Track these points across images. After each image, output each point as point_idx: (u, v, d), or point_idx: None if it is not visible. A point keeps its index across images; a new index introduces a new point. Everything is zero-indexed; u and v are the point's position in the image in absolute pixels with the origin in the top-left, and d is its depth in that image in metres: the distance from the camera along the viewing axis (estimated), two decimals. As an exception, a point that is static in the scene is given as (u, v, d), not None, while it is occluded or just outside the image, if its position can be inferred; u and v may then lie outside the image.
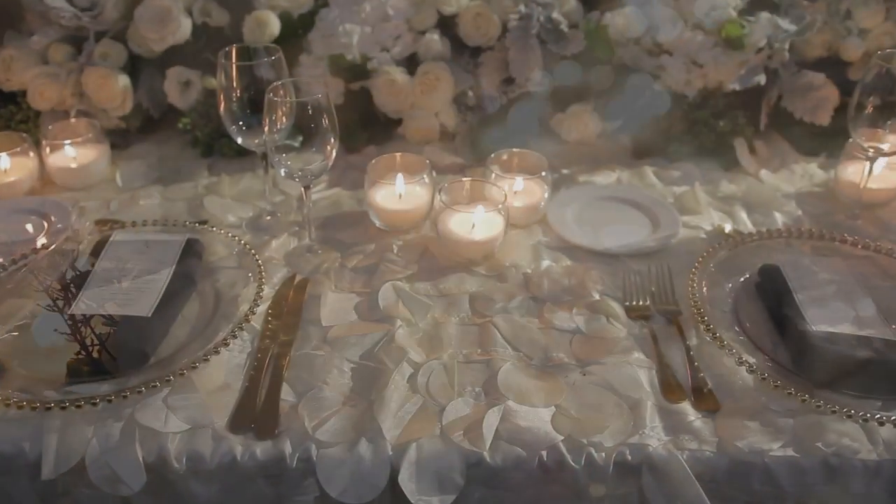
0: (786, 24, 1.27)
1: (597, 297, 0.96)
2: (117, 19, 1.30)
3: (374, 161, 1.11)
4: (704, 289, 0.95)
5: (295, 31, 1.34)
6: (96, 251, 0.99)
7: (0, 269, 0.97)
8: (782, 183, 1.23)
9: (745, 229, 1.10)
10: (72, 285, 0.91)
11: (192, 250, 0.99)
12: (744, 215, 1.14)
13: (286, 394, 0.81)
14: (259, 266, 0.98)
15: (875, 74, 1.01)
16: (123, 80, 1.28)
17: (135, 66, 1.32)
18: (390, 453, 0.75)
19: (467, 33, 1.31)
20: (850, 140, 1.13)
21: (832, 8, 1.32)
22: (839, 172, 1.17)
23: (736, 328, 0.91)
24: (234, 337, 0.86)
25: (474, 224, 1.01)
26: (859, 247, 1.03)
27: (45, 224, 1.09)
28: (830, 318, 0.88)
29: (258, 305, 0.91)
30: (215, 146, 1.28)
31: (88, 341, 0.83)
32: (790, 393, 0.80)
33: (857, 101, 1.03)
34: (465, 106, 1.31)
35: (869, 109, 1.02)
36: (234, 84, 1.01)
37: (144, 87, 1.31)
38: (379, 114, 1.33)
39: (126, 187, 1.21)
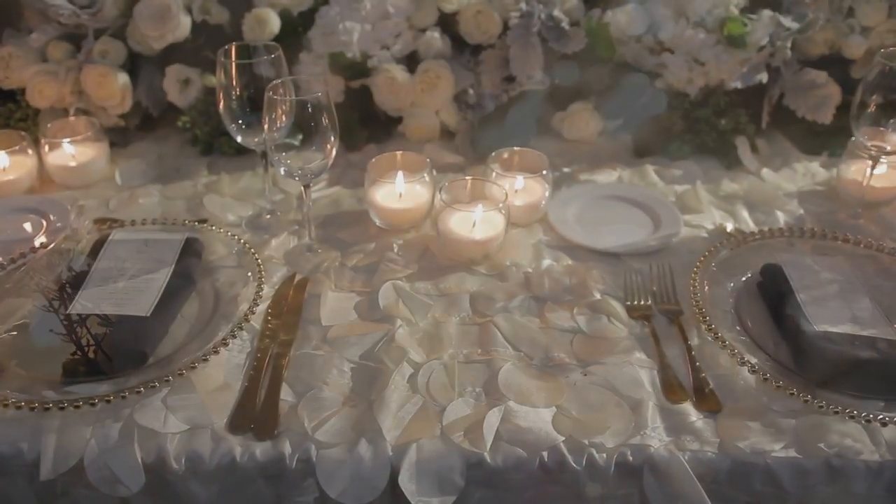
0: (788, 21, 1.26)
1: (598, 296, 0.96)
2: (116, 17, 1.29)
3: (374, 160, 1.10)
4: (706, 288, 0.95)
5: (295, 29, 1.34)
6: (95, 250, 0.98)
7: (-2, 269, 0.96)
8: (784, 182, 1.22)
9: (747, 228, 1.10)
10: (67, 285, 0.91)
11: (191, 249, 0.99)
12: (745, 214, 1.14)
13: (286, 394, 0.81)
14: (259, 265, 0.97)
15: (878, 73, 1.00)
16: (123, 78, 1.27)
17: (134, 64, 1.31)
18: (390, 454, 0.74)
19: (468, 31, 1.31)
20: (853, 139, 1.13)
21: (834, 5, 1.31)
22: (841, 171, 1.17)
23: (737, 328, 0.90)
24: (234, 337, 0.86)
25: (475, 223, 1.01)
26: (861, 246, 1.03)
27: (44, 223, 1.09)
28: (832, 317, 0.88)
29: (258, 305, 0.91)
30: (215, 144, 1.28)
31: (84, 342, 0.83)
32: (792, 393, 0.79)
33: (859, 99, 1.03)
34: (465, 104, 1.31)
35: (872, 108, 1.02)
36: (234, 82, 1.01)
37: (144, 85, 1.31)
38: (379, 112, 1.32)
39: (125, 186, 1.21)
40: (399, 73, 1.26)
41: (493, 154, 1.14)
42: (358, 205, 1.15)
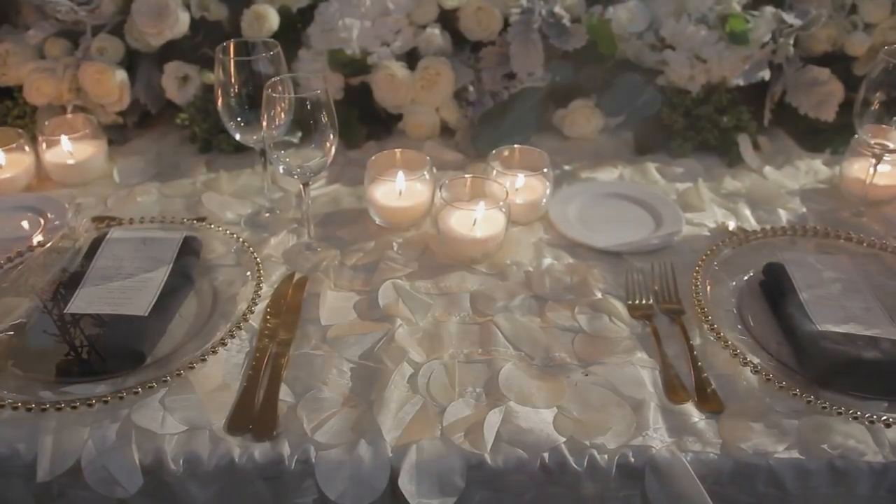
0: (790, 18, 1.25)
1: (599, 295, 0.95)
2: (114, 13, 1.29)
3: (373, 157, 1.09)
4: (708, 287, 0.94)
5: (294, 26, 1.33)
6: (93, 249, 0.97)
7: (-5, 267, 0.96)
8: (786, 179, 1.22)
9: (749, 226, 1.09)
10: (61, 286, 0.90)
11: (189, 248, 0.98)
12: (747, 212, 1.13)
13: (285, 394, 0.80)
14: (257, 264, 0.97)
15: (882, 70, 1.00)
16: (121, 75, 1.26)
17: (132, 61, 1.31)
18: (390, 455, 0.74)
19: (468, 28, 1.30)
20: (856, 136, 1.12)
21: (837, 2, 1.30)
22: (844, 169, 1.16)
23: (740, 327, 0.89)
24: (232, 336, 0.85)
25: (475, 221, 1.00)
26: (864, 245, 1.02)
27: (42, 221, 1.08)
28: (836, 317, 0.87)
29: (256, 304, 0.90)
30: (214, 142, 1.27)
31: (78, 342, 0.82)
32: (795, 394, 0.79)
33: (863, 97, 1.02)
34: (465, 101, 1.30)
35: (875, 105, 1.01)
36: (232, 79, 1.00)
37: (142, 82, 1.30)
38: (379, 109, 1.32)
39: (123, 183, 1.20)
40: (399, 69, 1.26)
41: (494, 152, 1.13)
42: (357, 203, 1.14)
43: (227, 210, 1.12)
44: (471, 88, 1.30)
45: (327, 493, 0.73)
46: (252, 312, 0.89)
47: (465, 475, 0.73)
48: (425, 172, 1.07)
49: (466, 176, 1.08)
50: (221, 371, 0.83)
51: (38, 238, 1.03)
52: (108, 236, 1.00)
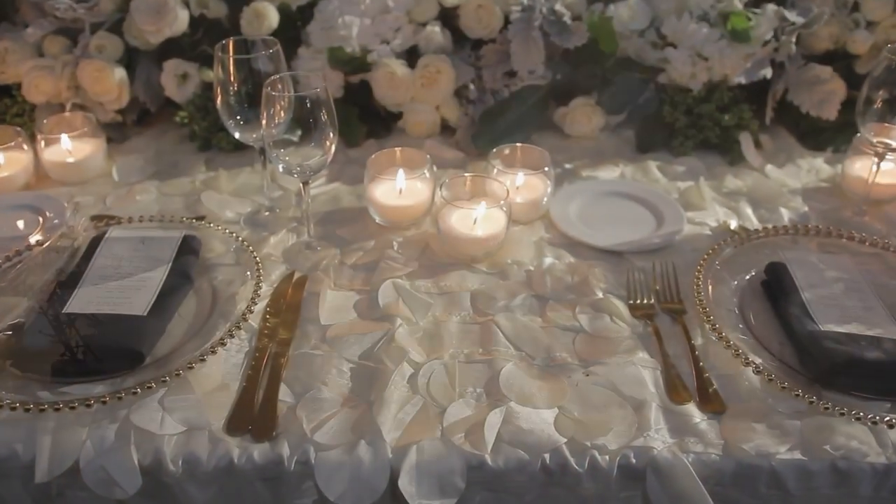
0: (793, 16, 1.25)
1: (600, 295, 0.95)
2: (113, 11, 1.28)
3: (373, 156, 1.09)
4: (710, 287, 0.94)
5: (293, 24, 1.33)
6: (91, 248, 0.97)
7: (-6, 267, 0.95)
8: (788, 178, 1.21)
9: (751, 225, 1.09)
10: (59, 285, 0.90)
11: (188, 247, 0.98)
12: (749, 211, 1.13)
13: (284, 395, 0.80)
14: (257, 263, 0.96)
15: (884, 68, 0.99)
16: (120, 73, 1.26)
17: (131, 59, 1.30)
18: (390, 456, 0.73)
19: (469, 25, 1.30)
20: (858, 135, 1.11)
21: (839, 0, 1.30)
22: (846, 168, 1.16)
23: (741, 326, 0.89)
24: (231, 336, 0.85)
25: (476, 220, 1.00)
26: (867, 244, 1.02)
27: (40, 220, 1.07)
28: (838, 317, 0.87)
29: (256, 304, 0.90)
30: (213, 140, 1.27)
31: (76, 342, 0.82)
32: (797, 394, 0.78)
33: (865, 95, 1.02)
34: (466, 99, 1.30)
35: (878, 104, 1.01)
36: (232, 78, 0.99)
37: (141, 80, 1.30)
38: (379, 107, 1.31)
39: (122, 182, 1.20)
40: (399, 67, 1.25)
41: (495, 150, 1.12)
42: (357, 201, 1.14)
43: (227, 209, 1.12)
44: (471, 86, 1.29)
45: (327, 494, 0.72)
46: (251, 312, 0.88)
47: (466, 476, 0.73)
48: (425, 171, 1.07)
49: (467, 175, 1.07)
50: (220, 371, 0.83)
51: (36, 237, 1.02)
52: (106, 235, 0.99)
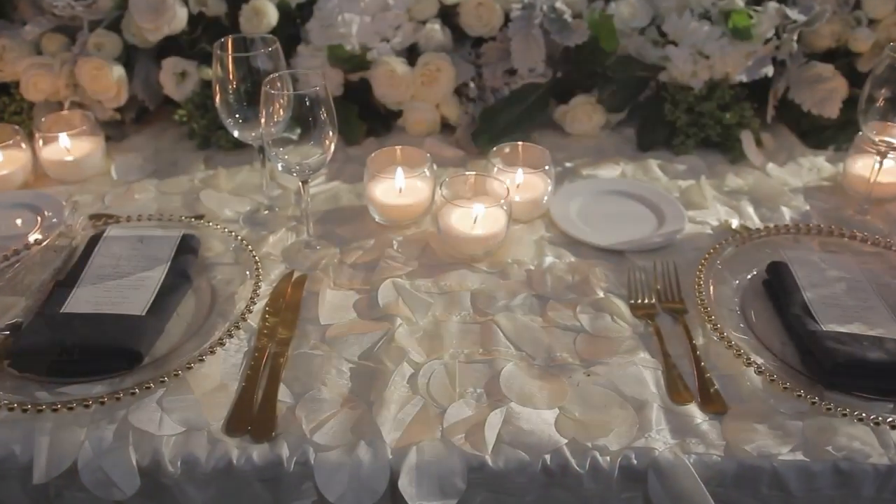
0: (794, 14, 1.24)
1: (601, 294, 0.94)
2: (112, 9, 1.27)
3: (373, 154, 1.09)
4: (711, 286, 0.93)
5: (293, 21, 1.32)
6: (90, 247, 0.96)
7: (-8, 266, 0.95)
8: (789, 177, 1.21)
9: (752, 224, 1.08)
10: (57, 285, 0.90)
11: (187, 246, 0.97)
12: (750, 210, 1.12)
13: (283, 395, 0.79)
14: (256, 262, 0.96)
15: (887, 66, 0.99)
16: (118, 71, 1.25)
17: (130, 57, 1.29)
18: (390, 457, 0.73)
19: (469, 23, 1.29)
20: (860, 133, 1.11)
21: (841, -3, 1.29)
22: (848, 166, 1.15)
23: (743, 326, 0.89)
24: (231, 336, 0.84)
25: (476, 219, 0.99)
26: (868, 243, 1.01)
27: (39, 219, 1.07)
28: (840, 317, 0.86)
29: (255, 303, 0.89)
30: (212, 138, 1.26)
31: (74, 342, 0.81)
32: (799, 395, 0.78)
33: (867, 93, 1.01)
34: (466, 97, 1.29)
35: (880, 102, 1.00)
36: (231, 76, 0.99)
37: (140, 78, 1.29)
38: (379, 105, 1.31)
39: (121, 180, 1.19)
40: (399, 65, 1.25)
41: (495, 149, 1.12)
42: (357, 200, 1.13)
43: (226, 207, 1.11)
44: (471, 84, 1.29)
45: (326, 495, 0.72)
46: (250, 312, 0.88)
47: (466, 477, 0.73)
48: (425, 169, 1.06)
49: (467, 173, 1.07)
50: (219, 371, 0.82)
51: (34, 236, 1.02)
52: (105, 234, 0.99)
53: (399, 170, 1.06)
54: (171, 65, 1.27)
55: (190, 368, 0.80)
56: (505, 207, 0.99)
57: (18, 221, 1.07)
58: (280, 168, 0.96)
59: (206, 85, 1.27)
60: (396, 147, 1.11)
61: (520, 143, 1.13)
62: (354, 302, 0.93)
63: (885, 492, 0.74)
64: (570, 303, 0.93)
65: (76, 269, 0.93)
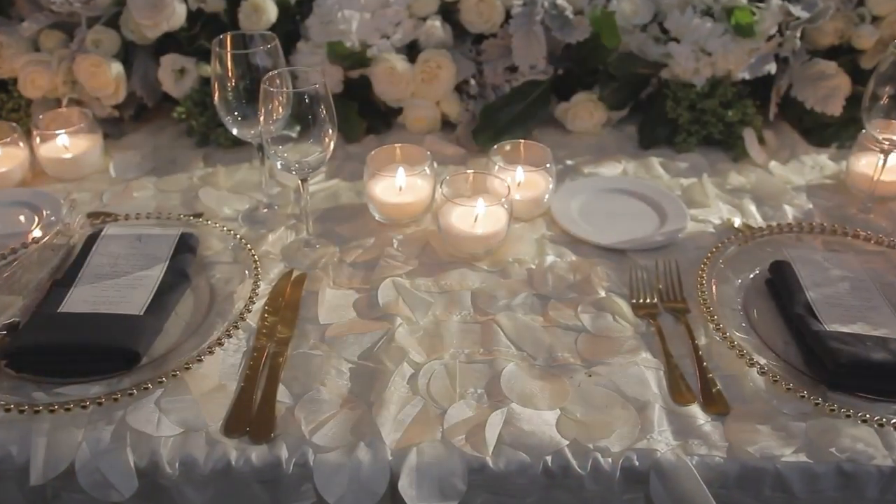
0: (797, 10, 1.23)
1: (602, 293, 0.93)
2: (110, 5, 1.26)
3: (373, 152, 1.08)
4: (713, 286, 0.92)
5: (292, 18, 1.31)
6: (88, 246, 0.96)
7: (-11, 264, 0.94)
8: (792, 175, 1.20)
9: (755, 223, 1.08)
10: (55, 284, 0.89)
11: (186, 245, 0.96)
12: (753, 208, 1.11)
13: (282, 395, 0.79)
14: (255, 261, 0.95)
15: (891, 64, 0.98)
16: (116, 68, 1.24)
17: (128, 54, 1.29)
18: (390, 458, 0.72)
19: (470, 20, 1.28)
20: (864, 131, 1.10)
21: (845, -6, 1.28)
22: (851, 164, 1.14)
23: (745, 326, 0.88)
24: (229, 336, 0.84)
25: (477, 217, 0.98)
26: (872, 242, 1.01)
27: (36, 217, 1.06)
28: (844, 317, 0.85)
29: (254, 303, 0.89)
30: (211, 136, 1.26)
31: (72, 342, 0.80)
32: (803, 396, 0.77)
33: (871, 91, 1.00)
34: (467, 95, 1.29)
35: (884, 100, 0.99)
36: (229, 73, 0.98)
37: (138, 75, 1.28)
38: (379, 103, 1.30)
39: (119, 178, 1.18)
40: (399, 62, 1.24)
41: (496, 147, 1.11)
42: (357, 198, 1.12)
43: (225, 205, 1.11)
44: (472, 82, 1.28)
45: (326, 496, 0.71)
46: (249, 311, 0.87)
47: (467, 478, 0.72)
48: (426, 167, 1.05)
49: (468, 171, 1.06)
50: (218, 371, 0.82)
51: (32, 235, 1.01)
52: (103, 233, 0.98)
53: (399, 168, 1.05)
54: (169, 62, 1.26)
55: (188, 369, 0.80)
56: (506, 206, 0.98)
57: (16, 220, 1.06)
58: (279, 166, 0.95)
59: (205, 82, 1.26)
60: (396, 145, 1.10)
61: (521, 140, 1.12)
62: (354, 301, 0.93)
63: (888, 493, 0.73)
64: (572, 302, 0.92)
65: (74, 268, 0.92)
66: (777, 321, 0.89)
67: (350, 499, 0.71)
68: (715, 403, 0.78)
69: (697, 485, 0.71)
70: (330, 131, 0.92)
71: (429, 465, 0.72)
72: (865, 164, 1.12)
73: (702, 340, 0.87)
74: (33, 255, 0.95)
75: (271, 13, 1.25)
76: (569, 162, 1.23)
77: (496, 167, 1.07)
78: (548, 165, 1.06)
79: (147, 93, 1.29)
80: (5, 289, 0.90)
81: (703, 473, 0.72)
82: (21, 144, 1.16)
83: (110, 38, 1.25)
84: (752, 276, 0.96)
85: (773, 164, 1.22)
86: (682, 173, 1.20)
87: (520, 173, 1.07)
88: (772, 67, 1.24)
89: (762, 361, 0.81)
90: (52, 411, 0.74)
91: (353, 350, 0.85)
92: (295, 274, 0.96)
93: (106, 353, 0.80)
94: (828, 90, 1.25)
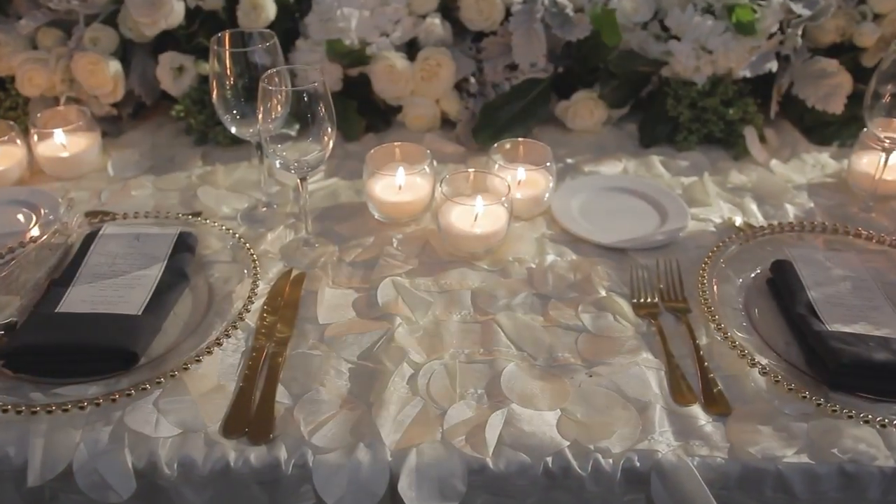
0: (799, 8, 1.23)
1: (603, 293, 0.93)
2: (108, 2, 1.26)
3: (373, 150, 1.07)
4: (714, 285, 0.92)
5: (291, 15, 1.31)
6: (86, 245, 0.95)
7: (-14, 264, 0.93)
8: (793, 173, 1.19)
9: (756, 222, 1.07)
10: (53, 283, 0.89)
11: (184, 244, 0.96)
12: (754, 207, 1.11)
13: (281, 396, 0.78)
14: (254, 260, 0.95)
15: (892, 62, 0.98)
16: (114, 66, 1.24)
17: (126, 52, 1.28)
18: (389, 459, 0.72)
19: (470, 17, 1.28)
20: (865, 130, 1.10)
21: (846, -8, 1.28)
22: (853, 163, 1.14)
23: (746, 325, 0.87)
24: (228, 336, 0.83)
25: (476, 216, 0.98)
26: (874, 241, 1.00)
27: (34, 216, 1.06)
28: (846, 317, 0.85)
29: (252, 302, 0.88)
30: (210, 134, 1.25)
31: (69, 342, 0.80)
32: (804, 396, 0.77)
33: (873, 89, 1.00)
34: (466, 93, 1.28)
35: (886, 98, 0.99)
36: (228, 71, 0.98)
37: (136, 73, 1.28)
38: (378, 101, 1.30)
39: (118, 177, 1.18)
40: (399, 60, 1.23)
41: (496, 145, 1.11)
42: (356, 197, 1.12)
43: (223, 204, 1.10)
44: (472, 80, 1.28)
45: (325, 498, 0.71)
46: (248, 311, 0.87)
47: (467, 480, 0.72)
48: (425, 166, 1.05)
49: (468, 170, 1.05)
50: (217, 372, 0.81)
51: (30, 234, 1.00)
52: (101, 232, 0.98)
53: (399, 167, 1.05)
54: (168, 59, 1.25)
55: (186, 369, 0.79)
56: (506, 205, 0.97)
57: (14, 218, 1.05)
58: (278, 165, 0.95)
59: (204, 80, 1.25)
60: (396, 143, 1.09)
61: (521, 139, 1.12)
62: (353, 301, 0.92)
63: (891, 494, 0.73)
64: (572, 302, 0.92)
65: (72, 267, 0.92)
66: (778, 321, 0.88)
67: (349, 500, 0.71)
68: (716, 404, 0.78)
69: (699, 486, 0.71)
70: (329, 130, 0.91)
71: (429, 466, 0.72)
72: (867, 162, 1.11)
73: (703, 340, 0.86)
74: (31, 254, 0.94)
75: (270, 11, 1.25)
76: (569, 160, 1.22)
77: (496, 166, 1.07)
78: (548, 164, 1.06)
79: (145, 91, 1.29)
80: (3, 288, 0.90)
81: (705, 474, 0.72)
82: (19, 143, 1.15)
83: (108, 36, 1.25)
84: (753, 275, 0.96)
85: (774, 162, 1.22)
86: (683, 172, 1.20)
87: (520, 172, 1.06)
88: (773, 65, 1.24)
89: (763, 362, 0.81)
90: (49, 412, 0.74)
91: (352, 350, 0.84)
92: (294, 273, 0.96)
93: (104, 354, 0.80)
94: (829, 88, 1.24)
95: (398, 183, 1.05)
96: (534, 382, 0.80)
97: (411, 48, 1.28)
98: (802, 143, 1.27)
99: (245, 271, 0.93)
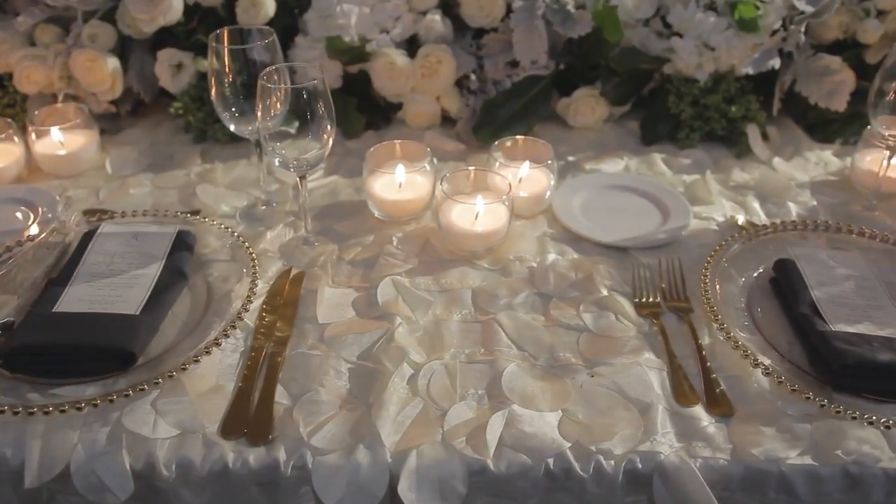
0: (802, 5, 1.22)
1: (605, 292, 0.92)
2: (106, -1, 1.25)
3: (373, 148, 1.07)
4: (717, 284, 0.91)
5: (290, 12, 1.30)
6: (83, 244, 0.95)
7: (-17, 263, 0.93)
8: (796, 171, 1.19)
9: (759, 220, 1.06)
10: (50, 283, 0.88)
11: (183, 243, 0.95)
12: (756, 205, 1.10)
13: (280, 396, 0.78)
14: (253, 259, 0.94)
15: (897, 59, 0.97)
16: (113, 63, 1.23)
17: (125, 48, 1.27)
18: (389, 461, 0.71)
19: (470, 14, 1.27)
20: (869, 127, 1.09)
21: (850, -12, 1.27)
22: (856, 161, 1.13)
23: (748, 325, 0.87)
24: (227, 335, 0.83)
25: (477, 215, 0.97)
26: (877, 240, 0.99)
27: (32, 214, 1.05)
28: (849, 316, 0.84)
29: (252, 301, 0.87)
30: (209, 132, 1.24)
31: (67, 342, 0.79)
32: (808, 397, 0.76)
33: (877, 87, 0.99)
34: (467, 90, 1.27)
35: (890, 96, 0.98)
36: (227, 68, 0.97)
37: (135, 70, 1.27)
38: (378, 98, 1.29)
39: (116, 174, 1.17)
40: (399, 57, 1.23)
41: (497, 143, 1.10)
42: (356, 195, 1.11)
43: (222, 202, 1.09)
44: (472, 77, 1.27)
45: (324, 499, 0.70)
46: (247, 310, 0.86)
47: (467, 481, 0.71)
48: (426, 164, 1.04)
49: (468, 168, 1.05)
50: (215, 372, 0.81)
51: (28, 232, 1.00)
52: (99, 231, 0.97)
53: (399, 164, 1.04)
54: (166, 56, 1.25)
55: (185, 369, 0.78)
56: (507, 203, 0.97)
57: (11, 217, 1.05)
58: (277, 163, 0.94)
59: (203, 77, 1.25)
60: (396, 141, 1.09)
61: (522, 136, 1.11)
62: (353, 300, 0.91)
63: (895, 496, 0.72)
64: (574, 301, 0.91)
65: (69, 266, 0.91)
66: (781, 320, 0.88)
67: (349, 502, 0.70)
68: (719, 405, 0.77)
69: (701, 487, 0.70)
70: (328, 127, 0.91)
71: (429, 467, 0.71)
72: (871, 160, 1.11)
73: (705, 340, 0.85)
74: (28, 252, 0.94)
75: (269, 7, 1.24)
76: (570, 158, 1.21)
77: (497, 164, 1.06)
78: (549, 162, 1.05)
79: (144, 88, 1.28)
80: (0, 288, 0.89)
81: (707, 476, 0.71)
82: (16, 140, 1.14)
83: (106, 33, 1.24)
84: (755, 274, 0.95)
85: (776, 160, 1.21)
86: (685, 169, 1.19)
87: (521, 170, 1.06)
88: (776, 62, 1.23)
89: (766, 362, 0.80)
90: (46, 413, 0.73)
91: (352, 350, 0.84)
92: (293, 272, 0.95)
93: (101, 354, 0.79)
94: (832, 85, 1.23)
95: (398, 181, 1.04)
96: (535, 383, 0.80)
97: (411, 45, 1.27)
98: (805, 141, 1.26)
99: (244, 270, 0.93)
